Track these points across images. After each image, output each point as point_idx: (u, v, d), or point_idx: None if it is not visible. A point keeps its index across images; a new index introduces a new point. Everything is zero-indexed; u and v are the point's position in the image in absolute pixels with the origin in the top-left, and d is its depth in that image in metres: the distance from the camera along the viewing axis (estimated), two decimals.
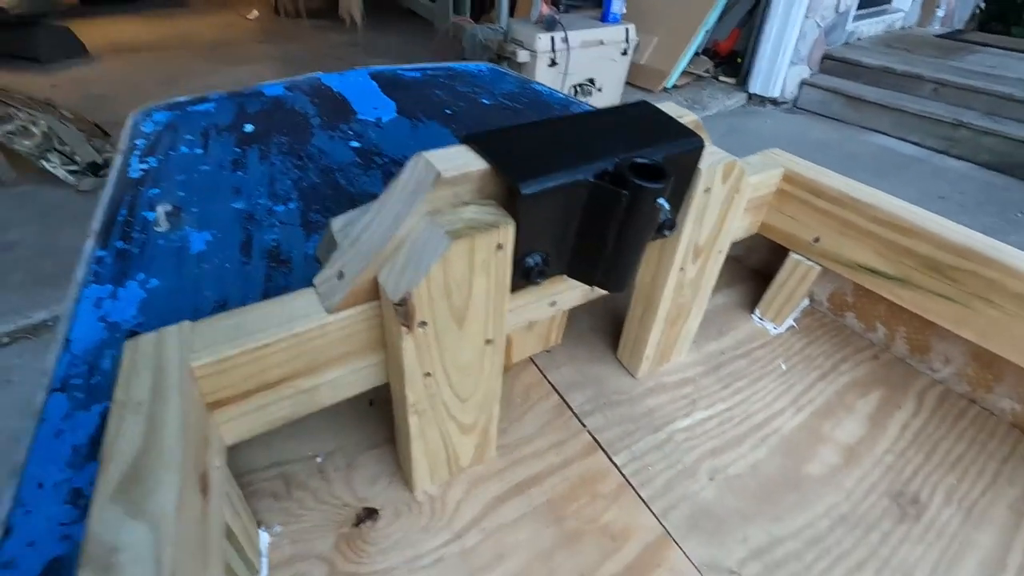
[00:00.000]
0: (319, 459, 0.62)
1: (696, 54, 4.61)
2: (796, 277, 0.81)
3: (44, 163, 2.78)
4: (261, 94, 1.25)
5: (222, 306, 0.70)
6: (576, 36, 3.64)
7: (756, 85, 4.58)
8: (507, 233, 0.45)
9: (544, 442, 0.66)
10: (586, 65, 3.82)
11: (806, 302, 0.89)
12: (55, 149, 2.82)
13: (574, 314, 0.79)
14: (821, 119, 4.51)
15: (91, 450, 0.52)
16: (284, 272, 0.76)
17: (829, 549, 0.58)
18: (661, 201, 0.47)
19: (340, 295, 0.46)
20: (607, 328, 0.83)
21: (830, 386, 0.76)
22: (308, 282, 0.50)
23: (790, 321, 0.86)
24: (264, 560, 0.52)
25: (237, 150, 1.03)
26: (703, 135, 0.56)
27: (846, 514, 0.61)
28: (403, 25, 6.10)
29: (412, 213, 0.44)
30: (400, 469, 0.62)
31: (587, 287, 0.61)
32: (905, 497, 0.63)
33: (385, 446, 0.64)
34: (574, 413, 0.70)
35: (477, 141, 0.46)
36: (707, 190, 0.58)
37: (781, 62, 4.40)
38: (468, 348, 0.50)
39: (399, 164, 1.04)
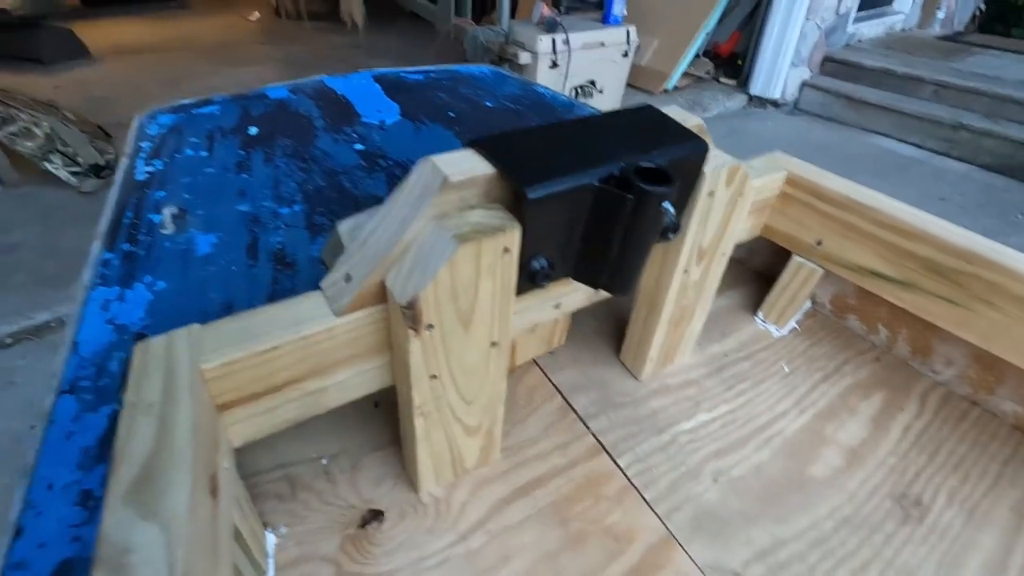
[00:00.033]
0: (324, 461, 0.62)
1: (697, 56, 4.61)
2: (799, 280, 0.81)
3: (46, 164, 2.78)
4: (265, 97, 1.25)
5: (228, 308, 0.70)
6: (577, 38, 3.65)
7: (757, 87, 4.59)
8: (513, 237, 0.45)
9: (548, 444, 0.67)
10: (587, 67, 3.83)
11: (808, 304, 0.89)
12: (57, 151, 2.82)
13: (577, 316, 0.80)
14: (822, 121, 4.51)
15: (100, 452, 0.52)
16: (290, 274, 0.76)
17: (833, 551, 0.58)
18: (666, 205, 0.48)
19: (347, 298, 0.47)
20: (610, 330, 0.83)
21: (833, 388, 0.76)
22: (314, 284, 0.50)
23: (793, 323, 0.86)
24: (270, 561, 0.52)
25: (242, 153, 1.04)
26: (707, 139, 0.56)
27: (849, 516, 0.61)
28: (404, 27, 6.11)
29: (419, 217, 0.44)
30: (405, 471, 0.62)
31: (591, 290, 0.61)
32: (908, 499, 0.63)
33: (390, 448, 0.64)
34: (578, 415, 0.70)
35: (483, 145, 0.47)
36: (711, 193, 0.58)
37: (782, 64, 4.41)
38: (474, 351, 0.51)
39: (403, 167, 1.04)
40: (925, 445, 0.69)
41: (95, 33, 5.07)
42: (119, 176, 0.93)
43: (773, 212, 0.81)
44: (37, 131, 2.81)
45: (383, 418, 0.67)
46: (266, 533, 0.54)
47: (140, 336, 0.65)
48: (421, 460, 0.56)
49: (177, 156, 1.00)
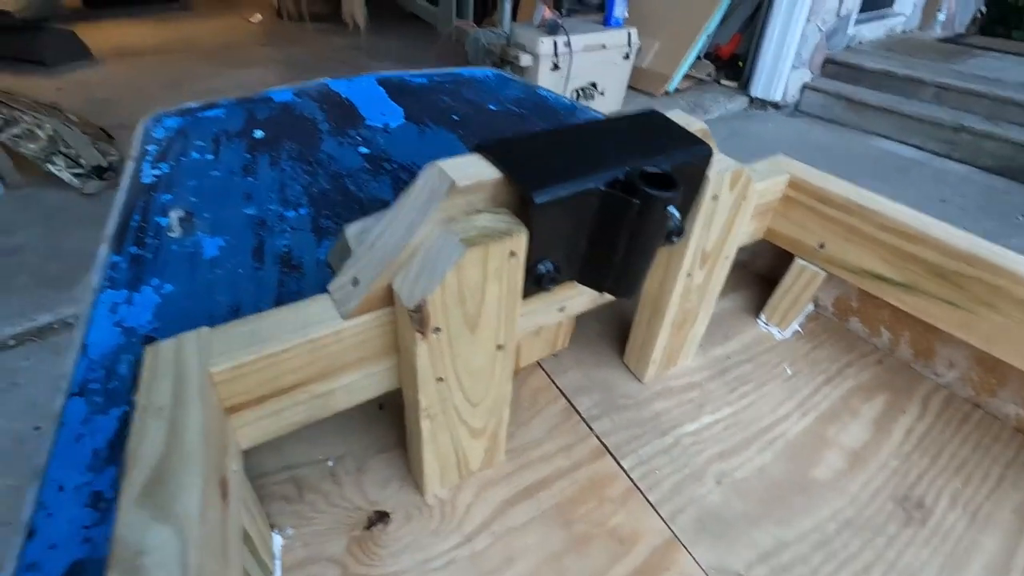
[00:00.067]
0: (330, 463, 0.63)
1: (698, 58, 4.62)
2: (801, 282, 0.82)
3: (49, 166, 2.79)
4: (270, 100, 1.26)
5: (236, 311, 0.70)
6: (578, 40, 3.66)
7: (758, 89, 4.59)
8: (520, 241, 0.45)
9: (552, 446, 0.67)
10: (588, 69, 3.84)
11: (811, 307, 0.90)
12: (60, 152, 2.83)
13: (581, 319, 0.80)
14: (822, 123, 4.52)
15: (111, 454, 0.53)
16: (296, 277, 0.76)
17: (836, 553, 0.58)
18: (671, 209, 0.48)
19: (355, 302, 0.47)
20: (613, 333, 0.84)
21: (835, 390, 0.77)
22: (320, 287, 0.50)
23: (795, 326, 0.87)
24: (277, 563, 0.53)
25: (247, 156, 1.04)
26: (711, 143, 0.57)
27: (852, 518, 0.62)
28: (405, 29, 6.12)
29: (426, 221, 0.44)
30: (410, 473, 0.62)
31: (596, 293, 0.62)
32: (910, 501, 0.63)
33: (395, 450, 0.65)
34: (582, 417, 0.71)
35: (489, 150, 0.47)
36: (715, 197, 0.59)
37: (783, 66, 4.41)
38: (480, 353, 0.51)
39: (408, 170, 1.05)
40: (927, 447, 0.70)
41: (97, 35, 5.09)
42: (125, 179, 0.93)
43: (776, 215, 0.81)
44: (40, 133, 2.82)
45: (388, 420, 0.68)
46: (273, 534, 0.55)
47: (148, 339, 0.65)
48: (427, 462, 0.57)
49: (183, 159, 1.01)
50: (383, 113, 1.26)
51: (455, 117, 1.25)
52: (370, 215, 0.52)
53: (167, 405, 0.40)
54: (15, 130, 2.78)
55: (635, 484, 0.63)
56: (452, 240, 0.44)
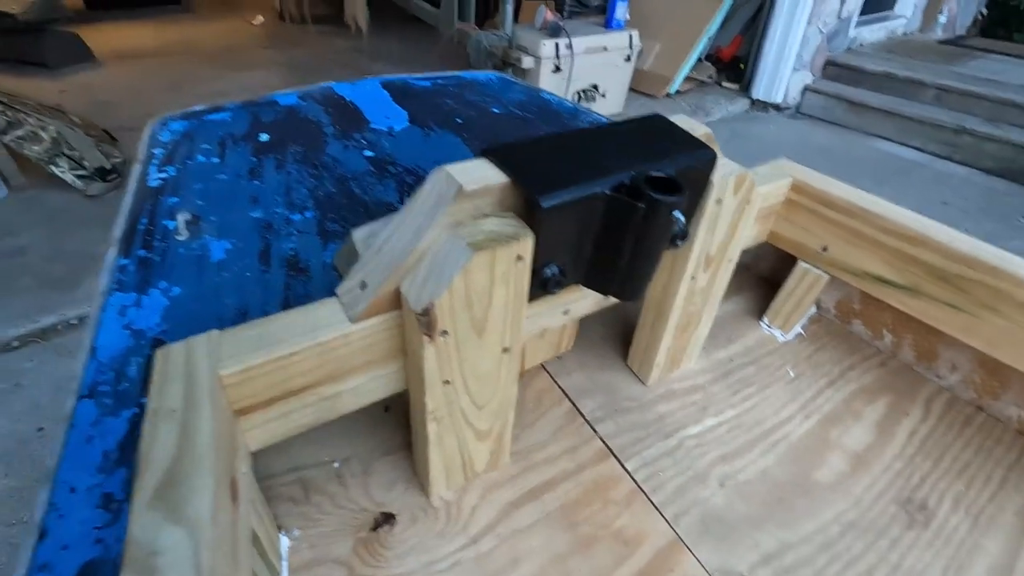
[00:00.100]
0: (336, 464, 0.63)
1: (699, 60, 4.63)
2: (804, 285, 0.82)
3: (53, 168, 2.80)
4: (275, 103, 1.27)
5: (243, 314, 0.71)
6: (580, 42, 3.67)
7: (759, 91, 4.60)
8: (526, 245, 0.46)
9: (556, 448, 0.67)
10: (590, 71, 3.85)
11: (813, 309, 0.90)
12: (64, 154, 2.84)
13: (584, 321, 0.81)
14: (824, 124, 4.52)
15: (121, 455, 0.53)
16: (303, 280, 0.77)
17: (839, 555, 0.58)
18: (676, 214, 0.48)
19: (363, 305, 0.48)
20: (617, 335, 0.84)
21: (838, 393, 0.77)
22: (326, 290, 0.51)
23: (798, 328, 0.87)
24: (284, 564, 0.53)
25: (253, 159, 1.05)
26: (715, 147, 0.57)
27: (855, 520, 0.62)
28: (407, 31, 6.14)
29: (434, 225, 0.45)
30: (416, 474, 0.63)
31: (600, 296, 0.62)
32: (913, 504, 0.64)
33: (400, 452, 0.65)
34: (585, 419, 0.71)
35: (496, 154, 0.47)
36: (719, 201, 0.59)
37: (784, 68, 4.42)
38: (486, 356, 0.51)
39: (412, 173, 1.05)
40: (930, 450, 0.70)
41: (99, 37, 5.10)
42: (132, 182, 0.94)
43: (779, 218, 0.81)
44: (44, 135, 2.83)
45: (394, 422, 0.68)
46: (280, 536, 0.55)
47: (157, 341, 0.66)
48: (433, 464, 0.57)
49: (189, 162, 1.01)
50: (387, 116, 1.26)
51: (459, 120, 1.26)
52: (376, 219, 0.52)
53: (178, 408, 0.40)
54: (19, 132, 2.79)
55: (639, 486, 0.64)
56: (460, 244, 0.44)
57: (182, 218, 0.86)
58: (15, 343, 2.08)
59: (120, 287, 0.72)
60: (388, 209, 0.91)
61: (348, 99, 1.33)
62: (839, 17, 4.59)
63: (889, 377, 0.80)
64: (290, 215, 0.90)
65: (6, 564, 1.48)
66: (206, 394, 0.41)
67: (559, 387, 0.75)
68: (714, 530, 0.60)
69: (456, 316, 0.46)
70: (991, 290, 0.64)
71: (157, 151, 1.03)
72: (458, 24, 5.39)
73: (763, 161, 0.80)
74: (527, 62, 3.60)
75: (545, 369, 0.78)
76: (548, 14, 3.71)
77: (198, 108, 1.20)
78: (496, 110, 1.33)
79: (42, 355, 2.06)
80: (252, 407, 0.47)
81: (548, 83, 3.66)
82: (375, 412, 0.68)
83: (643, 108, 4.36)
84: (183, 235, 0.83)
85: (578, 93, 3.91)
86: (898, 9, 5.56)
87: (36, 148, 2.79)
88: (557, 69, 3.66)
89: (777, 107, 4.63)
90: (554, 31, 3.62)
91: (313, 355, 0.47)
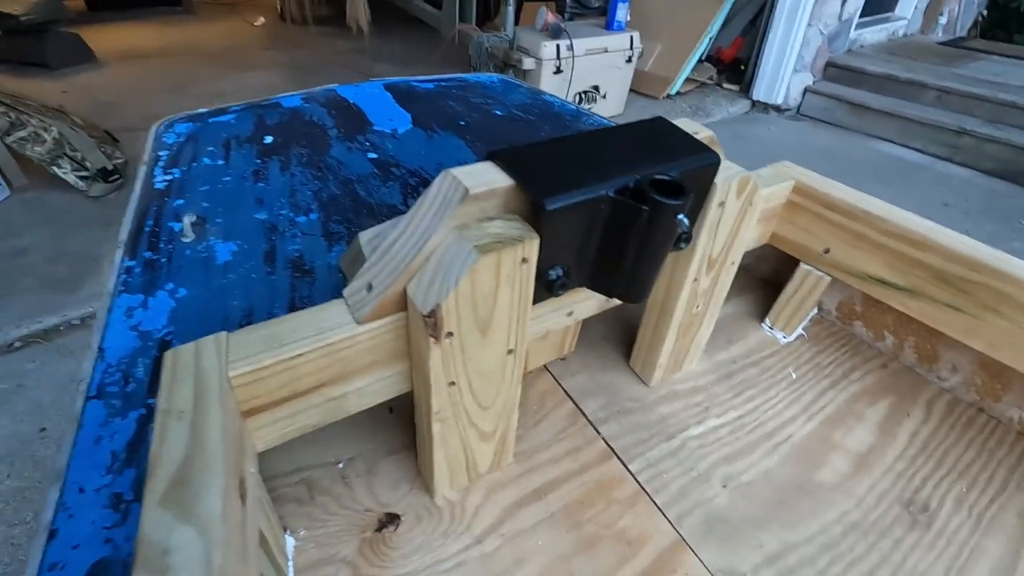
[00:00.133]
0: (341, 465, 0.63)
1: (700, 61, 4.64)
2: (806, 287, 0.83)
3: (55, 169, 2.81)
4: (279, 106, 1.27)
5: (249, 315, 0.71)
6: (581, 44, 3.67)
7: (759, 92, 4.61)
8: (532, 247, 0.46)
9: (560, 449, 0.68)
10: (591, 72, 3.85)
11: (815, 311, 0.90)
12: (66, 155, 2.85)
13: (587, 323, 0.81)
14: (825, 126, 4.52)
15: (129, 456, 0.54)
16: (308, 282, 0.77)
17: (842, 555, 0.59)
18: (681, 217, 0.49)
19: (369, 307, 0.48)
20: (619, 337, 0.84)
21: (840, 394, 0.77)
22: (331, 292, 0.51)
23: (799, 330, 0.87)
24: (290, 564, 0.54)
25: (258, 161, 1.05)
26: (718, 150, 0.57)
27: (858, 521, 0.62)
28: (409, 32, 6.15)
29: (440, 228, 0.45)
30: (420, 475, 0.63)
31: (603, 298, 0.63)
32: (915, 505, 0.64)
33: (404, 452, 0.65)
34: (589, 420, 0.71)
35: (501, 157, 0.48)
36: (721, 204, 0.59)
37: (784, 69, 4.43)
38: (491, 358, 0.52)
39: (416, 175, 1.06)
40: (932, 451, 0.70)
41: (101, 38, 5.11)
42: (138, 184, 0.94)
43: (781, 221, 0.82)
44: (46, 136, 2.83)
45: (398, 423, 0.68)
46: (285, 536, 0.56)
47: (164, 343, 0.66)
48: (437, 464, 0.58)
49: (194, 164, 1.02)
50: (391, 119, 1.27)
51: (462, 123, 1.27)
52: (382, 222, 0.53)
53: (188, 409, 0.41)
54: (22, 133, 2.80)
55: (642, 487, 0.64)
56: (466, 247, 0.44)
57: (188, 220, 0.86)
58: (17, 344, 2.09)
59: (127, 289, 0.73)
60: (392, 211, 0.91)
61: (351, 101, 1.33)
62: (840, 19, 4.59)
63: (891, 379, 0.80)
64: (295, 217, 0.91)
65: (8, 564, 1.49)
66: (216, 395, 0.42)
67: (562, 388, 0.76)
68: (717, 531, 0.60)
69: (462, 318, 0.46)
70: (993, 292, 0.64)
71: (162, 153, 1.04)
72: (459, 25, 5.40)
73: (764, 162, 0.81)
74: (528, 63, 3.61)
75: (548, 370, 0.78)
76: (549, 16, 3.71)
77: (202, 110, 1.20)
78: (499, 112, 1.33)
79: (44, 356, 2.06)
80: (259, 408, 0.47)
81: (549, 84, 3.67)
82: (379, 413, 0.69)
83: (644, 109, 4.37)
84: (189, 237, 0.83)
85: (579, 94, 3.92)
86: (899, 11, 5.57)
87: (38, 149, 2.80)
88: (558, 70, 3.67)
89: (778, 108, 4.63)
90: (555, 32, 3.63)
91: (320, 356, 0.47)
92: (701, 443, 0.69)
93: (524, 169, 0.47)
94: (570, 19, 4.19)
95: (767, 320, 0.88)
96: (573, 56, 3.66)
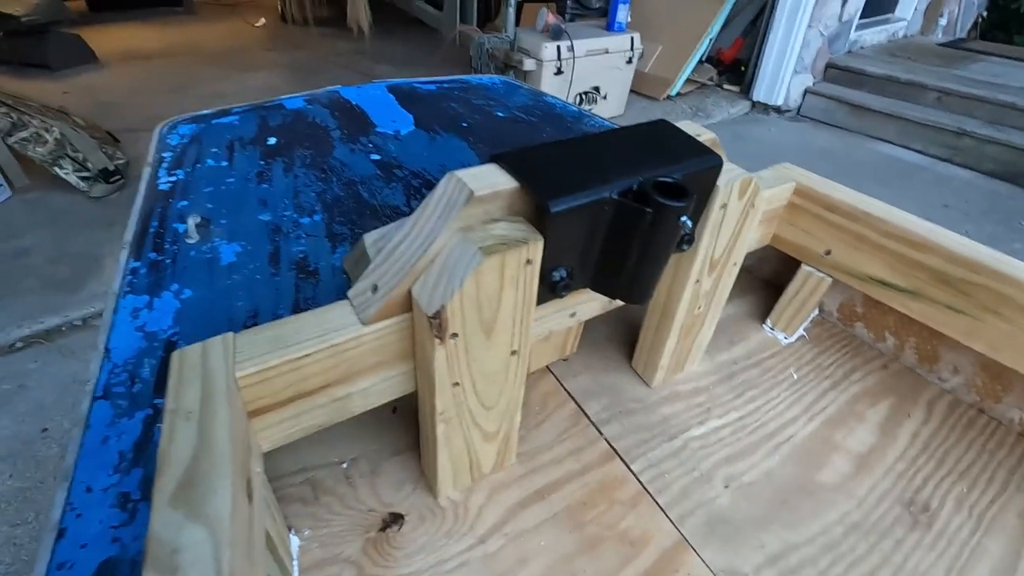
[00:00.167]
0: (345, 465, 0.64)
1: (700, 62, 4.65)
2: (807, 289, 0.83)
3: (57, 170, 2.81)
4: (282, 107, 1.28)
5: (254, 316, 0.72)
6: (581, 45, 3.68)
7: (760, 93, 4.61)
8: (536, 249, 0.46)
9: (562, 449, 0.68)
10: (591, 73, 3.86)
11: (816, 312, 0.91)
12: (67, 156, 2.85)
13: (589, 324, 0.81)
14: (825, 127, 4.53)
15: (136, 455, 0.54)
16: (312, 283, 0.78)
17: (843, 556, 0.59)
18: (684, 219, 0.49)
19: (374, 308, 0.48)
20: (621, 338, 0.85)
21: (841, 395, 0.78)
22: (335, 293, 0.52)
23: (801, 331, 0.88)
24: (295, 563, 0.54)
25: (261, 163, 1.06)
26: (720, 153, 0.58)
27: (859, 521, 0.62)
28: (409, 33, 6.16)
29: (445, 230, 0.46)
30: (424, 475, 0.63)
31: (606, 299, 0.63)
32: (916, 505, 0.64)
33: (407, 452, 0.66)
34: (591, 421, 0.72)
35: (506, 160, 0.48)
36: (724, 206, 0.60)
37: (785, 70, 4.43)
38: (495, 359, 0.52)
39: (419, 176, 1.06)
40: (933, 452, 0.71)
41: (102, 39, 5.12)
42: (142, 186, 0.95)
43: (782, 222, 0.82)
44: (48, 137, 2.84)
45: (401, 424, 0.69)
46: (290, 536, 0.56)
47: (169, 343, 0.67)
48: (440, 465, 0.58)
49: (198, 166, 1.02)
50: (393, 120, 1.27)
51: (464, 124, 1.27)
52: (386, 223, 0.53)
53: (196, 409, 0.41)
54: (23, 134, 2.80)
55: (644, 487, 0.64)
56: (470, 248, 0.45)
57: (192, 221, 0.87)
58: (19, 344, 2.09)
59: (132, 290, 0.73)
60: (395, 212, 0.92)
61: (354, 103, 1.34)
62: (840, 20, 4.60)
63: (891, 379, 0.81)
64: (299, 218, 0.91)
65: (10, 564, 1.49)
66: (223, 395, 0.42)
67: (564, 389, 0.76)
68: (719, 531, 0.60)
69: (466, 319, 0.47)
70: (993, 294, 0.64)
71: (166, 155, 1.04)
72: (460, 27, 5.41)
73: (764, 164, 0.81)
74: (529, 64, 3.61)
75: (551, 371, 0.79)
76: (550, 17, 3.72)
77: (206, 112, 1.21)
78: (501, 114, 1.34)
79: (46, 356, 2.07)
80: (265, 408, 0.48)
81: (550, 85, 3.68)
82: (383, 413, 0.69)
83: (644, 110, 4.37)
84: (193, 238, 0.84)
85: (579, 95, 3.92)
86: (899, 12, 5.58)
87: (40, 150, 2.81)
88: (559, 71, 3.68)
89: (778, 109, 4.64)
90: (556, 34, 3.63)
91: (326, 357, 0.48)
92: (703, 444, 0.70)
93: (528, 171, 0.48)
94: (571, 20, 4.20)
95: (768, 321, 0.89)
96: (574, 57, 3.66)
